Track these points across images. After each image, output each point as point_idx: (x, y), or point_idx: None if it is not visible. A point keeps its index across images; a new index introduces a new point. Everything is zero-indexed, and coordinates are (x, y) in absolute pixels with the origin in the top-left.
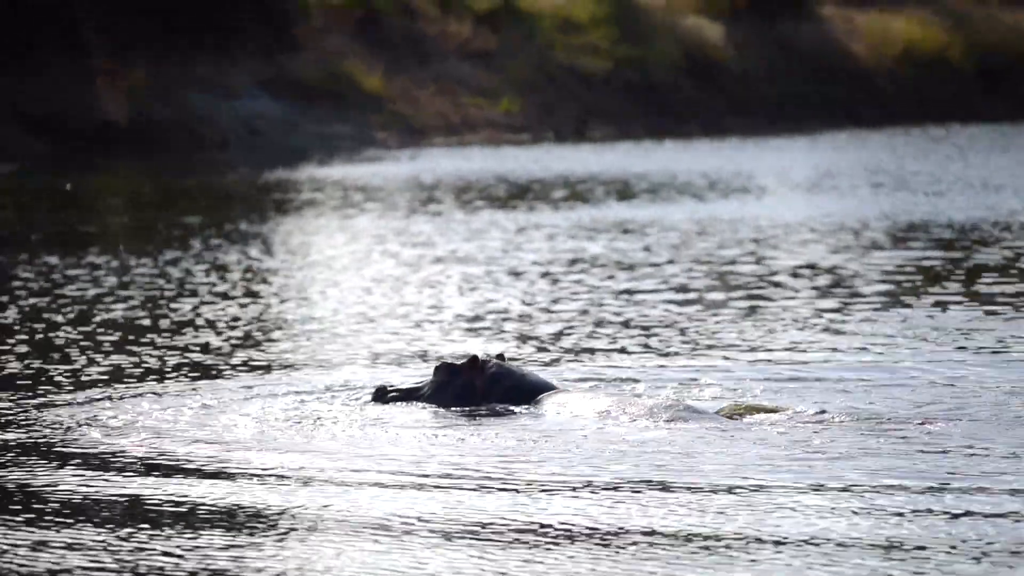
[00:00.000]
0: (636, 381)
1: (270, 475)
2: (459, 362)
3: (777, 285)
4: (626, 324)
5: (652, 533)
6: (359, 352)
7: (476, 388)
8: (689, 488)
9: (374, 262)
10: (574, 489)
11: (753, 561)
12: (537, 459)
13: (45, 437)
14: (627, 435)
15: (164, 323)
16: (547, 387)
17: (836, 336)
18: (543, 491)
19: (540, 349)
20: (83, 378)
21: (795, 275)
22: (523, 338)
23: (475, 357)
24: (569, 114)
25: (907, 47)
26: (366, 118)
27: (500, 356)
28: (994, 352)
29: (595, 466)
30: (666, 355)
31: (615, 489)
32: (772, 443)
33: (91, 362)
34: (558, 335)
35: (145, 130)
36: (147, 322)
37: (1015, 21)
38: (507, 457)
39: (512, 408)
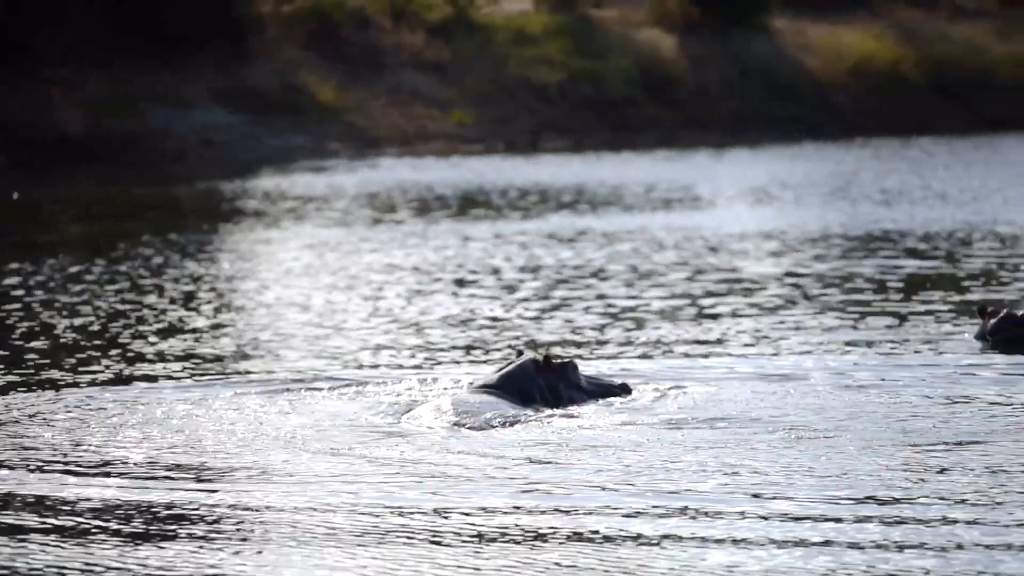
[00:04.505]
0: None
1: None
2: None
3: (726, 293)
4: (584, 329)
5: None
6: (305, 355)
7: None
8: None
9: (326, 271)
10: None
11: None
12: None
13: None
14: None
15: (98, 328)
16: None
17: (769, 340)
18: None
19: (496, 353)
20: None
21: (743, 283)
22: (483, 344)
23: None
24: (523, 126)
25: (860, 60)
26: (321, 129)
27: (546, 358)
28: (925, 365)
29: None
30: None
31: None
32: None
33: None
34: (516, 340)
35: (101, 142)
36: (86, 329)
37: (965, 34)
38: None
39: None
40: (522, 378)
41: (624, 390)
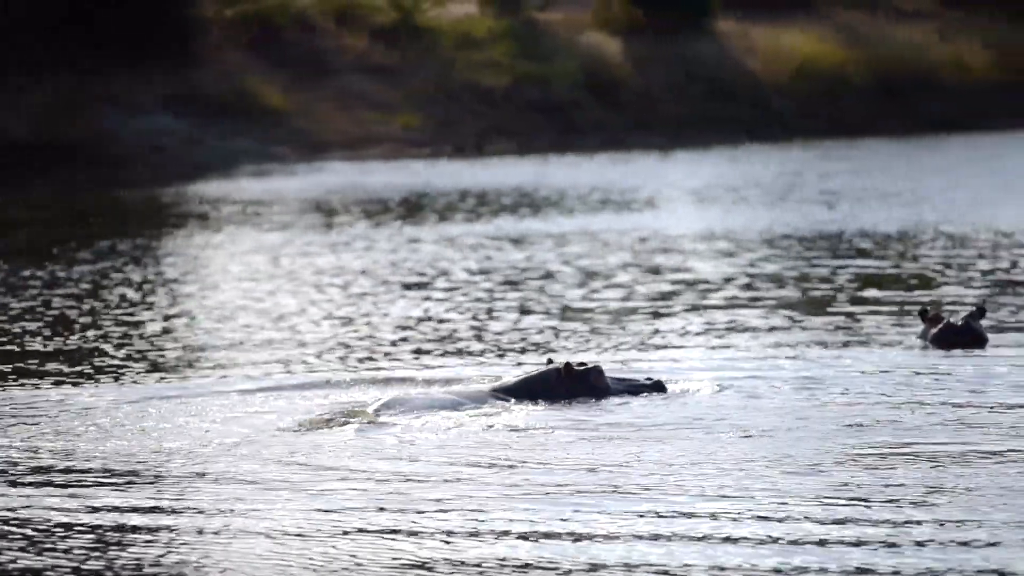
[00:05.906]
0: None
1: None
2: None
3: (675, 293)
4: (534, 330)
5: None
6: (253, 359)
7: None
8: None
9: (273, 275)
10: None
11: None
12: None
13: None
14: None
15: (45, 333)
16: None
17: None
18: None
19: (426, 356)
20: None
21: (692, 283)
22: (417, 350)
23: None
24: (469, 129)
25: (803, 63)
26: (267, 133)
27: (567, 366)
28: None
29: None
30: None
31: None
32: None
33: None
34: (444, 341)
35: (49, 148)
36: (34, 334)
37: (907, 36)
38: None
39: None
40: (539, 385)
41: (657, 388)
